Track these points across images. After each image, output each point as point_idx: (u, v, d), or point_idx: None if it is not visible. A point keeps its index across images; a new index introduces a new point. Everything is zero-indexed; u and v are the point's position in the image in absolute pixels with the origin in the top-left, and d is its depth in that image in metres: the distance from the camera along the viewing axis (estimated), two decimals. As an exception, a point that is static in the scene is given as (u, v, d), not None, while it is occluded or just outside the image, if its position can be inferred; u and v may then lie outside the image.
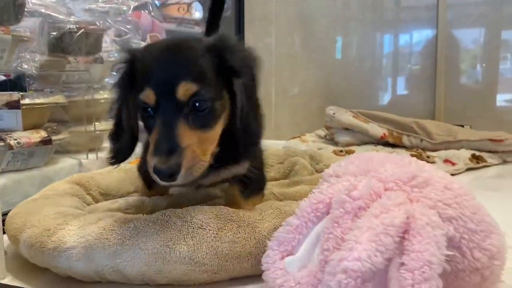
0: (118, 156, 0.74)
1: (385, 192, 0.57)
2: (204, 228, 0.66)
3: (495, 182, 1.36)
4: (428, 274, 0.48)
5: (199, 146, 0.64)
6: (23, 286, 0.67)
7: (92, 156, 1.30)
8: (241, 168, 0.78)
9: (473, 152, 1.50)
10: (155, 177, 0.63)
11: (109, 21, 1.38)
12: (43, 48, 1.12)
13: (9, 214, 0.78)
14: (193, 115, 0.65)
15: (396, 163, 0.61)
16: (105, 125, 1.38)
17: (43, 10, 1.23)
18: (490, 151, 1.53)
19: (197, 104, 0.65)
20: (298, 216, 0.61)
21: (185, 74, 0.65)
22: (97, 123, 1.33)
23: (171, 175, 0.61)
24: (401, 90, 2.03)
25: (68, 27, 1.22)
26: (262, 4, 2.05)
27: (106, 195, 0.92)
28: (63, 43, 1.24)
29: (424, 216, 0.52)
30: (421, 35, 1.95)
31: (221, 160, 0.71)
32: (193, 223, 0.66)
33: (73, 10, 1.29)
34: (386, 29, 1.97)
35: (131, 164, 1.00)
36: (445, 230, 0.53)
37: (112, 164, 0.74)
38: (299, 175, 1.12)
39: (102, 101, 1.35)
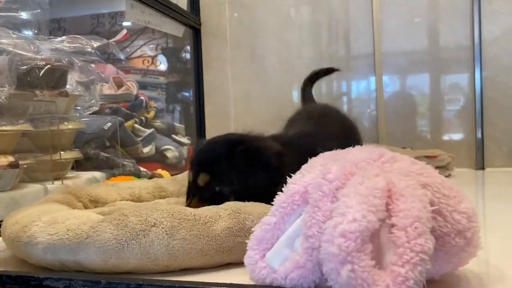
0: None
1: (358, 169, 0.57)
2: (157, 226, 0.69)
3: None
4: (420, 229, 0.47)
5: None
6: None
7: (57, 182, 1.37)
8: None
9: (411, 167, 1.64)
10: None
11: (74, 59, 1.49)
12: (13, 81, 1.22)
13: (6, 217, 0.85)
14: None
15: (361, 150, 0.62)
16: (70, 154, 1.46)
17: (11, 49, 1.34)
18: (427, 167, 1.68)
19: None
20: (274, 213, 0.59)
21: None
22: (62, 152, 1.41)
23: None
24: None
25: (35, 63, 1.33)
26: (218, 48, 2.25)
27: (96, 202, 0.99)
28: (30, 78, 1.34)
29: (402, 180, 0.53)
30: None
31: None
32: (147, 221, 0.70)
33: (41, 49, 1.41)
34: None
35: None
36: (425, 192, 0.53)
37: None
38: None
39: (67, 131, 1.44)
